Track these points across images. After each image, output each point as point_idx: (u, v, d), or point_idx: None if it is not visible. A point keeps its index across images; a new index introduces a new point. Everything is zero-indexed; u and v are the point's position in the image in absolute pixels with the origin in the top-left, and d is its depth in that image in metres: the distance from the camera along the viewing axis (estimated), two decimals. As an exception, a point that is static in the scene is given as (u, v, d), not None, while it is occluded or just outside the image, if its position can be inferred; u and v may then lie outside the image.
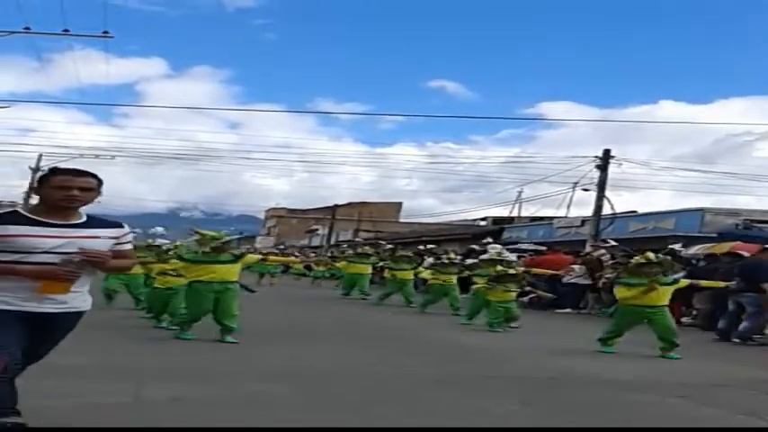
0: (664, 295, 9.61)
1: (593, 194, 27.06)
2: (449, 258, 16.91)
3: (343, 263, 21.47)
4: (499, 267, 13.32)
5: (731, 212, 22.04)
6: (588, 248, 21.54)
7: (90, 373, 6.28)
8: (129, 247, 4.01)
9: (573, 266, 18.71)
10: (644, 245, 22.73)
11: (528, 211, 37.21)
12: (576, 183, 28.56)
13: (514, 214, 37.78)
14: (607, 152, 27.27)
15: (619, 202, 27.32)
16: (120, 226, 3.96)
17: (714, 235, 19.23)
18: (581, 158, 28.19)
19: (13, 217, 3.71)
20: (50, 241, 3.63)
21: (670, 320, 9.69)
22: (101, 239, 3.77)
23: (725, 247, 16.06)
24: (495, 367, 8.16)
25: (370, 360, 8.14)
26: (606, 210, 26.39)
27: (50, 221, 3.68)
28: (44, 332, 3.75)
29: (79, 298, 3.80)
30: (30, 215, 3.70)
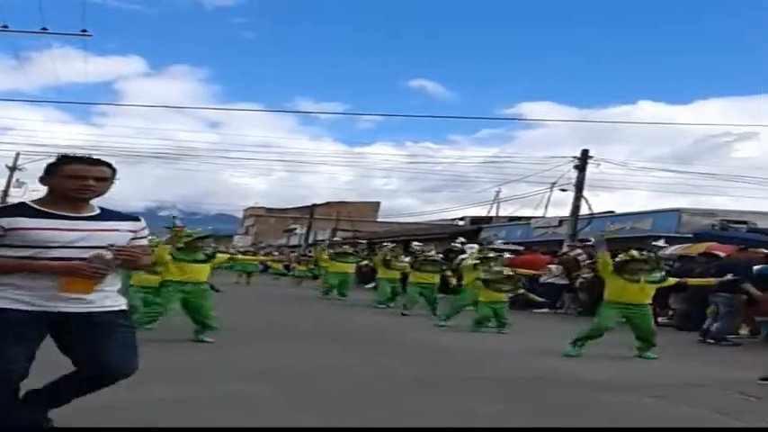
0: (649, 293, 9.67)
1: (570, 195, 27.25)
2: (426, 256, 16.32)
3: (327, 261, 20.88)
4: (496, 268, 13.08)
5: (707, 213, 22.26)
6: (565, 248, 21.68)
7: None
8: (145, 242, 3.76)
9: (550, 266, 18.83)
10: (621, 245, 23.00)
11: (506, 210, 37.46)
12: (554, 183, 28.77)
13: (492, 214, 37.95)
14: (585, 152, 27.46)
15: (596, 202, 27.60)
16: (137, 219, 3.70)
17: (690, 235, 19.42)
18: (559, 159, 28.42)
19: (19, 209, 3.44)
20: (67, 235, 3.35)
21: (651, 320, 9.80)
22: (120, 233, 3.51)
23: (701, 247, 16.21)
24: (478, 368, 8.18)
25: (351, 361, 8.14)
26: (584, 210, 26.60)
27: (62, 213, 3.39)
28: (77, 334, 3.48)
29: (111, 297, 3.54)
30: (38, 207, 3.40)
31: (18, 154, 41.04)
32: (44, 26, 18.95)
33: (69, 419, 4.62)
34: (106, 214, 3.53)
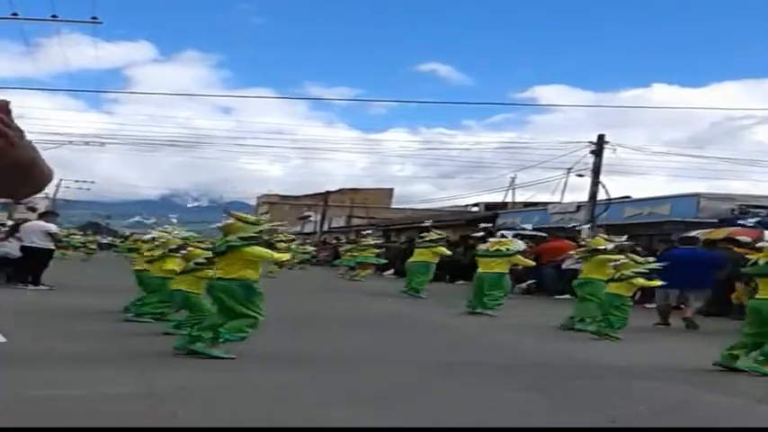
0: None
1: (587, 180, 27.11)
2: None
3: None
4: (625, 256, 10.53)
5: (726, 198, 22.04)
6: (585, 235, 21.55)
7: (99, 361, 6.30)
8: None
9: (571, 252, 18.71)
10: (640, 230, 22.87)
11: (523, 196, 37.33)
12: (570, 168, 28.63)
13: (508, 200, 37.83)
14: (601, 137, 27.29)
15: (613, 187, 27.31)
16: None
17: (712, 220, 19.28)
18: (575, 143, 28.27)
19: None
20: None
21: None
22: None
23: (722, 232, 16.08)
24: (505, 354, 8.15)
25: (378, 348, 8.13)
26: (601, 195, 26.45)
27: None
28: None
29: None
30: None
31: (30, 142, 40.86)
32: (54, 14, 18.80)
33: (89, 406, 4.63)
34: None
